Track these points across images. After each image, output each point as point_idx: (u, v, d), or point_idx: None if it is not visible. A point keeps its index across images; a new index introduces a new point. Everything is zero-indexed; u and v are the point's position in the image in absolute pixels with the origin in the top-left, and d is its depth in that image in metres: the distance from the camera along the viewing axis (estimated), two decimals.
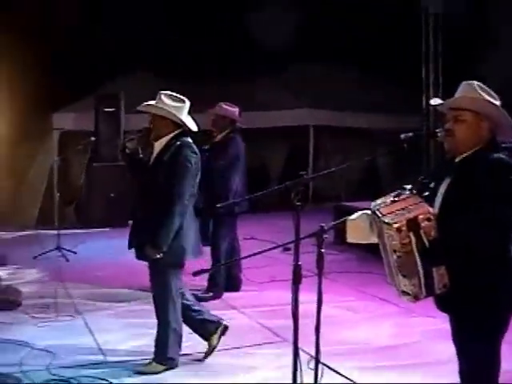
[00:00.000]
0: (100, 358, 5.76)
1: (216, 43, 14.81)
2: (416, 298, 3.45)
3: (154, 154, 5.49)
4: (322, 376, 3.84)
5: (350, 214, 3.71)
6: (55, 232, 10.38)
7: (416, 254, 3.34)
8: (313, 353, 3.80)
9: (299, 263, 3.74)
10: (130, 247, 5.55)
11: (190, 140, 5.47)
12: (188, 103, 5.50)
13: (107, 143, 12.49)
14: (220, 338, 5.71)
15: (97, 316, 6.94)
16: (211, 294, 7.59)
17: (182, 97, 5.50)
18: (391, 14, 14.37)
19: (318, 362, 3.89)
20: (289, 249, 6.13)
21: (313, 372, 3.84)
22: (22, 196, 13.96)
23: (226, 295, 7.71)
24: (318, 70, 15.44)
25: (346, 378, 5.20)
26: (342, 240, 6.17)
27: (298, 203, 3.69)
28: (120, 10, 13.96)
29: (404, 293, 3.50)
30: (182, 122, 5.42)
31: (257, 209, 12.95)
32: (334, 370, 5.18)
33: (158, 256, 5.22)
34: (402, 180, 3.67)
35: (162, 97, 5.42)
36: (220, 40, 14.84)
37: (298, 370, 3.81)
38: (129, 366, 5.54)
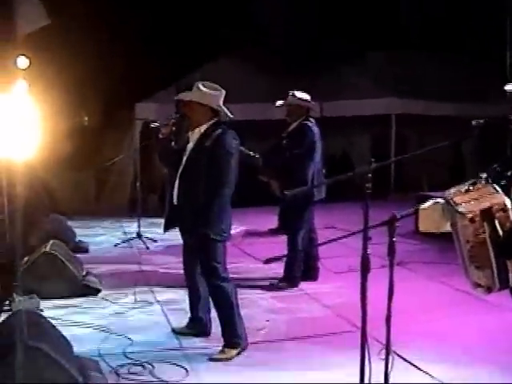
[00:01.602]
0: (175, 343, 5.82)
1: (299, 33, 14.77)
2: (489, 290, 3.35)
3: (193, 141, 5.57)
4: (392, 366, 3.79)
5: None
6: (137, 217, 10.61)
7: (489, 245, 3.24)
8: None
9: (368, 252, 3.67)
10: (165, 230, 5.79)
11: (227, 127, 5.53)
12: (224, 92, 5.57)
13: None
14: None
15: (174, 303, 6.99)
16: (286, 283, 7.58)
17: (217, 86, 5.57)
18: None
19: (388, 351, 3.84)
20: (369, 238, 6.04)
21: (383, 362, 3.79)
22: (109, 184, 14.31)
23: (304, 285, 7.67)
24: (398, 58, 15.27)
25: (418, 368, 5.10)
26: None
27: (368, 191, 3.63)
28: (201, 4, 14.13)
29: (477, 284, 3.40)
30: (221, 108, 5.51)
31: (339, 198, 12.90)
32: (407, 360, 5.10)
33: (212, 236, 5.37)
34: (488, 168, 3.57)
35: (200, 85, 5.52)
36: (303, 30, 14.79)
37: (367, 359, 3.76)
38: (204, 352, 5.56)
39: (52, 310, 6.74)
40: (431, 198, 3.76)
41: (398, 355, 4.82)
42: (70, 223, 10.24)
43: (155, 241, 10.31)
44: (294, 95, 7.72)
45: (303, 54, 14.63)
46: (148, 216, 11.57)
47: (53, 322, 5.72)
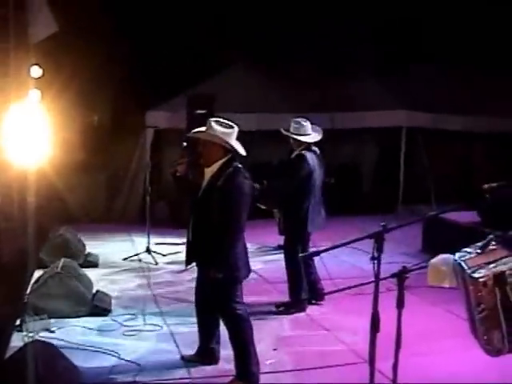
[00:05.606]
0: (184, 371, 5.85)
1: (315, 43, 14.74)
2: (498, 352, 3.40)
3: (206, 179, 5.61)
4: None
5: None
6: (147, 231, 10.54)
7: (500, 310, 3.29)
8: None
9: (378, 310, 3.72)
10: (186, 265, 5.85)
11: (240, 165, 5.57)
12: (236, 129, 5.61)
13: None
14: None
15: (183, 327, 6.98)
16: (293, 308, 7.61)
17: (230, 123, 5.61)
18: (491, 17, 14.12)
19: None
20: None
21: None
22: (120, 193, 14.32)
23: (310, 310, 7.71)
24: (415, 72, 15.27)
25: None
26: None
27: (376, 255, 3.70)
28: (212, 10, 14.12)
29: (486, 345, 3.45)
30: (232, 147, 5.54)
31: (348, 212, 12.97)
32: None
33: (220, 276, 5.39)
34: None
35: (212, 123, 5.56)
36: (318, 40, 14.75)
37: None
38: (212, 382, 5.61)
39: (62, 331, 6.81)
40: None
41: None
42: (80, 234, 10.22)
43: (164, 255, 10.37)
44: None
45: (314, 66, 14.62)
46: (157, 225, 11.42)
47: (62, 343, 5.82)
